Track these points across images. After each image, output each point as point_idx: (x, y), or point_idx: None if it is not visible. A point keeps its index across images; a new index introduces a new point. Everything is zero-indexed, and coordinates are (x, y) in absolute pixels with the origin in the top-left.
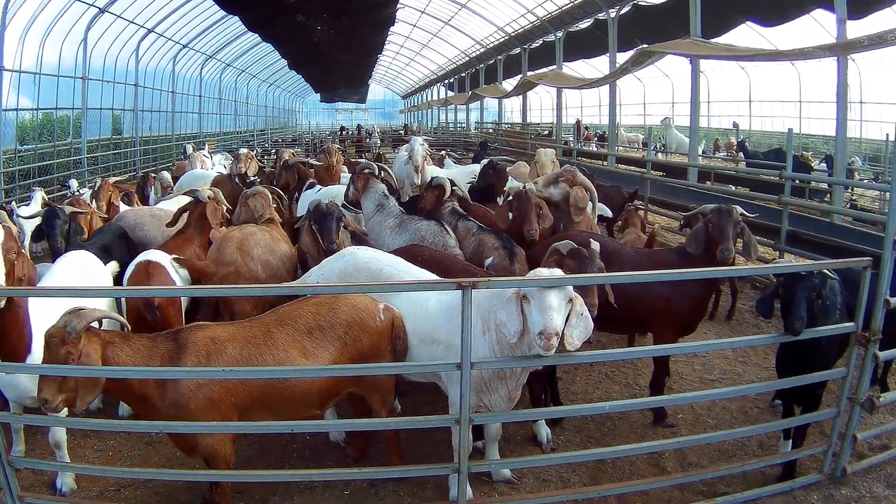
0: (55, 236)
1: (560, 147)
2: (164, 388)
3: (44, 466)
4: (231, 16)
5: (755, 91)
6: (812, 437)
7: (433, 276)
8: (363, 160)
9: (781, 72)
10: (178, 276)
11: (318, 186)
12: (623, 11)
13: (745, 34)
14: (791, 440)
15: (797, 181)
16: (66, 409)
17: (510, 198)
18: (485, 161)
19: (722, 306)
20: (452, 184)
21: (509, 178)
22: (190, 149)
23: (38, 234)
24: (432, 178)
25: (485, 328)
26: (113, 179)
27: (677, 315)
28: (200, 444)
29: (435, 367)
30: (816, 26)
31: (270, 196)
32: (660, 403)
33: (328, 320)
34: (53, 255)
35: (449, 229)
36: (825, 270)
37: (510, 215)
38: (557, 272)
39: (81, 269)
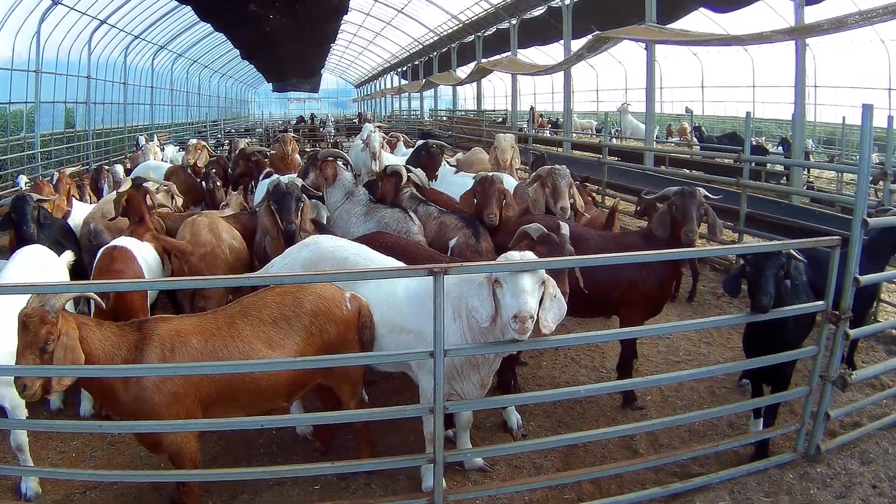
0: (27, 222)
1: (515, 133)
2: (128, 381)
3: (6, 471)
4: (183, 6)
5: (708, 77)
6: (783, 416)
7: (400, 264)
8: (318, 149)
9: (734, 57)
10: (145, 261)
11: (275, 176)
12: None
13: (698, 21)
14: (762, 419)
15: (754, 164)
16: (41, 395)
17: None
18: (419, 142)
19: (683, 288)
20: (408, 170)
21: (443, 161)
22: (142, 140)
23: (4, 223)
24: (387, 166)
25: (455, 314)
26: (69, 170)
27: (644, 297)
28: (165, 442)
29: (407, 357)
30: (769, 13)
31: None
32: (632, 386)
33: (293, 310)
34: (20, 242)
35: (413, 216)
36: (791, 251)
37: (475, 201)
38: (529, 255)
39: (40, 262)
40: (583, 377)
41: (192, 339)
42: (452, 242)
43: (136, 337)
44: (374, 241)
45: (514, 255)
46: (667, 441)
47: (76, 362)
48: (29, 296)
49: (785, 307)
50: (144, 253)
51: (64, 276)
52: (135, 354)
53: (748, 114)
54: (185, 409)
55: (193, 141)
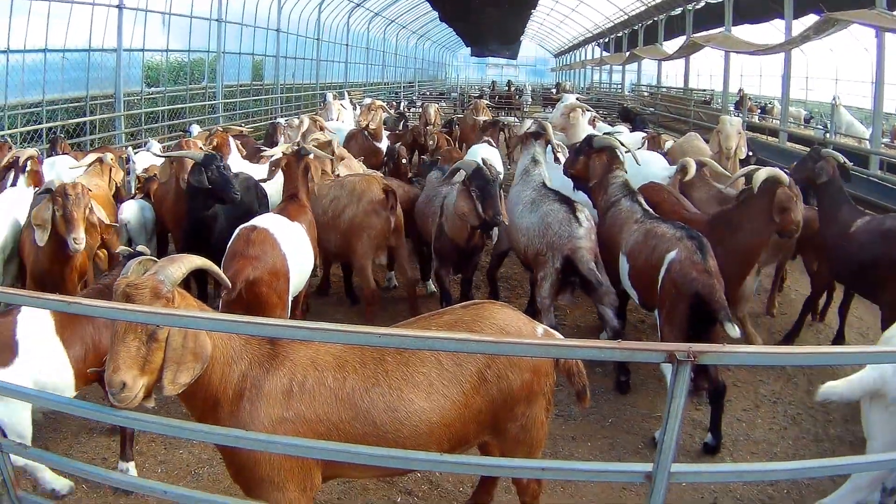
0: (230, 186)
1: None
2: (239, 404)
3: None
4: None
5: None
6: None
7: None
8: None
9: None
10: (291, 247)
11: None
12: None
13: None
14: None
15: None
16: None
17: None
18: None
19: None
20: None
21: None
22: (330, 97)
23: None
24: (594, 137)
25: None
26: (235, 129)
27: None
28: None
29: (614, 477)
30: None
31: None
32: None
33: None
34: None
35: (580, 217)
36: None
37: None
38: None
39: None
40: None
41: (329, 375)
42: (671, 257)
43: (266, 352)
44: None
45: None
46: None
47: (200, 352)
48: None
49: None
50: (293, 236)
51: None
52: (257, 372)
53: None
54: (299, 466)
55: (369, 100)
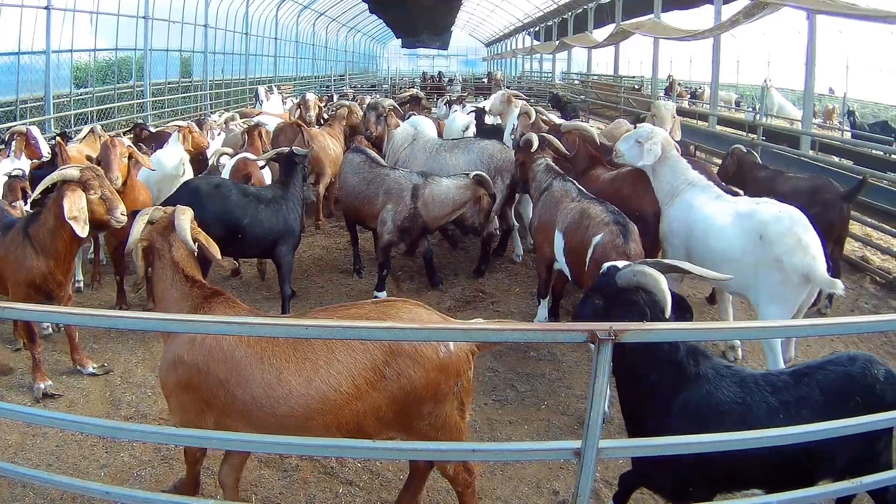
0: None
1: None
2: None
3: None
4: None
5: (853, 57)
6: None
7: None
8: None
9: (883, 39)
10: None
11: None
12: None
13: None
14: None
15: None
16: None
17: None
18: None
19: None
20: (543, 139)
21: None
22: (262, 92)
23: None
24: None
25: None
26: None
27: None
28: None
29: (544, 455)
30: None
31: None
32: None
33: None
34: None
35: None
36: None
37: None
38: None
39: None
40: None
41: (231, 337)
42: (597, 239)
43: (199, 299)
44: None
45: None
46: None
47: None
48: None
49: None
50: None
51: None
52: (182, 306)
53: None
54: (192, 403)
55: (311, 96)
